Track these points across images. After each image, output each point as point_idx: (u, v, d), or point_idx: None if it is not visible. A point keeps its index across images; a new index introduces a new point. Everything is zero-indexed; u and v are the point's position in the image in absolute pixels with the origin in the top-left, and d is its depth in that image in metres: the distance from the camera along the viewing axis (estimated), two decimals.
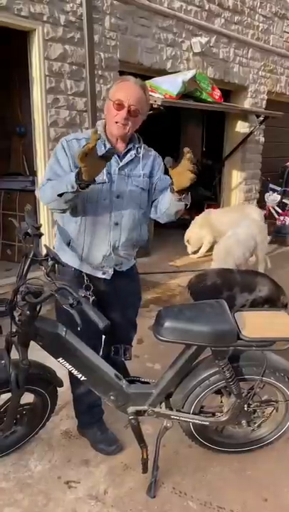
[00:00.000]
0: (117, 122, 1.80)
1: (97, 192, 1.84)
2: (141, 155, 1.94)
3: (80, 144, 1.83)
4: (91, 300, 1.89)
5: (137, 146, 1.93)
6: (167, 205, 1.87)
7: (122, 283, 2.03)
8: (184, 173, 1.64)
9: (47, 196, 1.80)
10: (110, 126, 1.84)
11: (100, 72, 4.18)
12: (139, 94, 1.80)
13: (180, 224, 5.68)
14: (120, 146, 1.90)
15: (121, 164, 1.88)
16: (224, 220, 5.44)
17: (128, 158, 1.90)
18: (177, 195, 1.75)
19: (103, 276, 1.97)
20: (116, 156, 1.87)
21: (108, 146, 1.87)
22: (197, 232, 5.51)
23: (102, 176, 1.79)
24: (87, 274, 1.95)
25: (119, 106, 1.77)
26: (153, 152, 2.02)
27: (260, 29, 6.33)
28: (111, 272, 1.97)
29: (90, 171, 1.58)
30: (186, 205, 1.83)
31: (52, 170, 1.87)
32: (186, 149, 1.63)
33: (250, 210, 5.72)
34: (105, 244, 1.90)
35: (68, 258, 1.94)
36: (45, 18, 3.63)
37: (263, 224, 5.09)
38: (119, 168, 1.88)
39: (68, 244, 1.95)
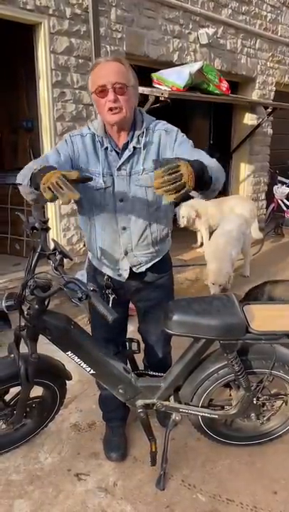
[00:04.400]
0: (109, 110, 1.60)
1: (98, 197, 1.73)
2: (142, 144, 1.68)
3: (84, 141, 1.72)
4: (111, 298, 1.87)
5: (138, 133, 1.69)
6: None
7: (140, 287, 1.92)
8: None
9: (19, 178, 1.65)
10: (105, 117, 1.64)
11: None
12: (116, 67, 1.59)
13: None
14: (123, 139, 1.71)
15: (119, 163, 1.69)
16: (213, 212, 5.36)
17: (126, 154, 1.69)
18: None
19: (118, 278, 1.89)
20: (115, 152, 1.70)
21: (106, 144, 1.69)
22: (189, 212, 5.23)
23: (99, 180, 1.69)
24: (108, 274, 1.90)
25: (103, 92, 1.58)
26: (159, 129, 1.73)
27: (268, 19, 6.24)
28: (126, 274, 1.86)
29: (51, 197, 1.36)
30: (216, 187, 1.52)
31: (44, 157, 1.73)
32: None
33: (238, 201, 5.52)
34: (117, 249, 1.81)
35: (91, 257, 1.96)
36: (50, 11, 3.60)
37: (252, 216, 4.99)
38: (117, 168, 1.69)
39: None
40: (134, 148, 1.70)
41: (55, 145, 1.81)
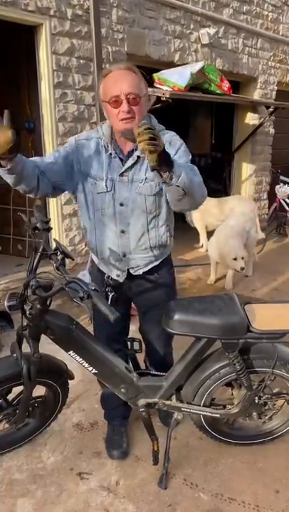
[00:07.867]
0: (122, 120, 1.63)
1: (100, 200, 1.79)
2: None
3: (90, 144, 1.77)
4: (111, 296, 1.92)
5: None
6: (165, 192, 1.65)
7: (139, 288, 1.96)
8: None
9: None
10: (117, 126, 1.67)
11: (107, 65, 4.16)
12: (130, 77, 1.61)
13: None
14: (129, 146, 1.74)
15: (122, 170, 1.73)
16: (214, 211, 5.39)
17: (130, 162, 1.73)
18: (158, 175, 1.47)
19: (117, 278, 1.92)
20: (119, 159, 1.75)
21: (110, 150, 1.74)
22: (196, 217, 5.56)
23: (101, 184, 1.75)
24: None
25: (116, 102, 1.61)
26: (165, 140, 1.60)
27: (269, 19, 6.23)
28: (123, 275, 1.91)
29: None
30: (182, 189, 1.49)
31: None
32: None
33: (239, 201, 5.52)
34: (115, 251, 1.86)
35: (93, 256, 2.01)
36: (52, 13, 3.62)
37: (253, 216, 5.01)
38: (120, 174, 1.74)
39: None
40: (138, 157, 1.73)
41: (57, 146, 1.85)
